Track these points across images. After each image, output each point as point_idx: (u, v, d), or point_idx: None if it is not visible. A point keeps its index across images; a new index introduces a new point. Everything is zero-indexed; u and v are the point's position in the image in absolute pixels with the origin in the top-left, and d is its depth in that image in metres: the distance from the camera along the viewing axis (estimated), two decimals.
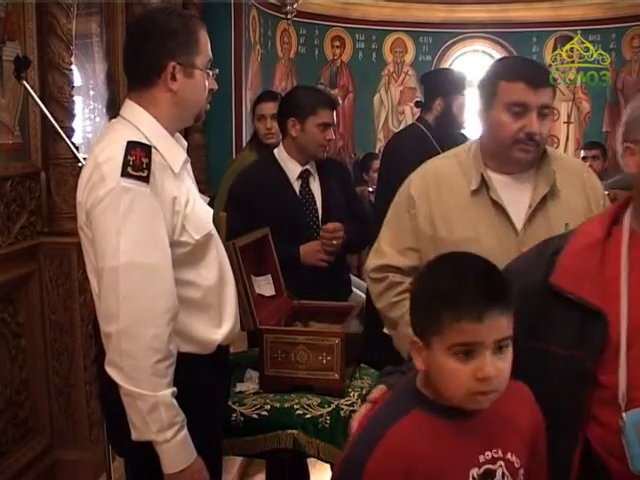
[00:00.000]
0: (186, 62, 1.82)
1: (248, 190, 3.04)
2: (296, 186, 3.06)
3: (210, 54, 1.90)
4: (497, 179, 2.13)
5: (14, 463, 2.89)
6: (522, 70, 2.09)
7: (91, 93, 3.80)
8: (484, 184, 2.11)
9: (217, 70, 1.93)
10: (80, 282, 3.08)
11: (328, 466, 2.67)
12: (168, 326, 1.71)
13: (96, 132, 3.79)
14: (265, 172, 3.09)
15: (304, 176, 3.08)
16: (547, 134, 2.12)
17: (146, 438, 1.70)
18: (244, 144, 6.02)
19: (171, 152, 1.83)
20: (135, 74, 1.87)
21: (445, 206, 2.14)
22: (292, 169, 3.06)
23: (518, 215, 2.09)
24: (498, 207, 2.09)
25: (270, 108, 3.81)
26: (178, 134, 1.93)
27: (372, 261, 2.32)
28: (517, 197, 2.10)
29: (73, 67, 3.16)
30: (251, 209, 2.97)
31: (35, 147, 3.06)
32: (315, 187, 3.10)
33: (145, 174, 1.70)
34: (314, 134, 3.00)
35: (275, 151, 3.15)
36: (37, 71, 3.02)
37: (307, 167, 3.08)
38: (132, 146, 1.71)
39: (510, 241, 2.06)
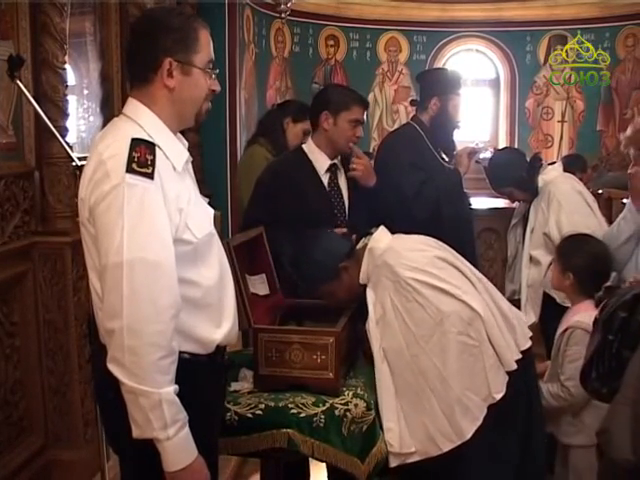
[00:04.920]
0: (183, 59, 1.82)
1: (277, 183, 3.09)
2: (325, 179, 3.12)
3: (212, 55, 1.89)
4: None
5: (8, 463, 2.88)
6: None
7: (85, 92, 3.80)
8: None
9: (217, 70, 1.93)
10: (74, 282, 3.08)
11: (324, 465, 2.67)
12: (171, 322, 1.71)
13: (90, 131, 3.78)
14: (295, 165, 3.14)
15: (332, 169, 3.13)
16: None
17: (148, 436, 1.69)
18: (238, 143, 6.02)
19: (173, 150, 1.83)
20: (134, 71, 1.88)
21: None
22: (321, 162, 3.11)
23: None
24: None
25: None
26: (179, 133, 1.93)
27: None
28: None
29: (67, 66, 3.16)
30: (277, 202, 3.01)
31: (29, 146, 3.06)
32: (342, 181, 3.15)
33: (150, 170, 1.70)
34: (345, 129, 3.06)
35: (304, 146, 3.20)
36: (31, 70, 3.02)
37: (335, 161, 3.13)
38: (136, 143, 1.72)
39: None
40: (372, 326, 2.48)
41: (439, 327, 2.38)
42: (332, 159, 3.11)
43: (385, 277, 2.49)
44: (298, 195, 3.01)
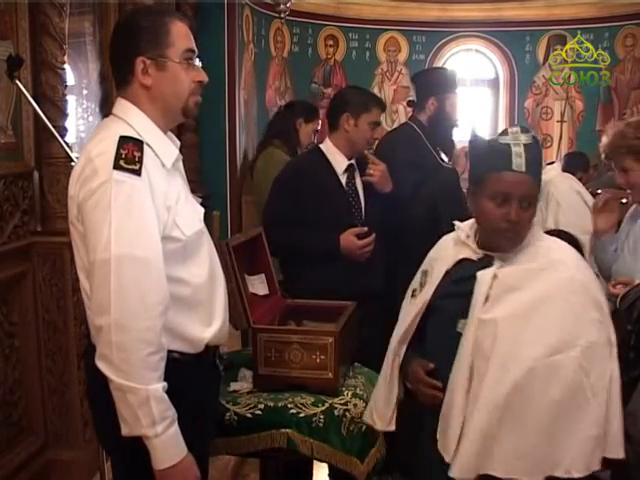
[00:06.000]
0: (156, 55, 1.81)
1: (299, 180, 3.13)
2: (343, 179, 3.16)
3: (189, 45, 1.86)
4: None
5: (7, 463, 2.88)
6: None
7: (84, 92, 3.79)
8: None
9: (197, 60, 1.90)
10: (73, 281, 3.07)
11: (325, 465, 2.67)
12: (160, 318, 1.71)
13: (89, 131, 3.78)
14: (315, 164, 3.18)
15: (350, 170, 3.18)
16: None
17: (136, 433, 1.69)
18: (238, 143, 6.02)
19: (162, 148, 1.84)
20: (116, 74, 1.90)
21: None
22: (340, 162, 3.16)
23: None
24: None
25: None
26: (171, 133, 1.94)
27: None
28: None
29: (66, 66, 3.16)
30: (297, 200, 3.06)
31: (28, 146, 3.06)
32: (358, 182, 3.20)
33: (137, 167, 1.71)
34: (365, 131, 3.13)
35: (321, 146, 3.24)
36: (30, 70, 3.01)
37: (352, 162, 3.18)
38: (124, 140, 1.72)
39: None
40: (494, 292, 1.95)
41: (569, 349, 1.85)
42: (349, 160, 3.15)
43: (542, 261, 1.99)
44: (319, 193, 3.06)
